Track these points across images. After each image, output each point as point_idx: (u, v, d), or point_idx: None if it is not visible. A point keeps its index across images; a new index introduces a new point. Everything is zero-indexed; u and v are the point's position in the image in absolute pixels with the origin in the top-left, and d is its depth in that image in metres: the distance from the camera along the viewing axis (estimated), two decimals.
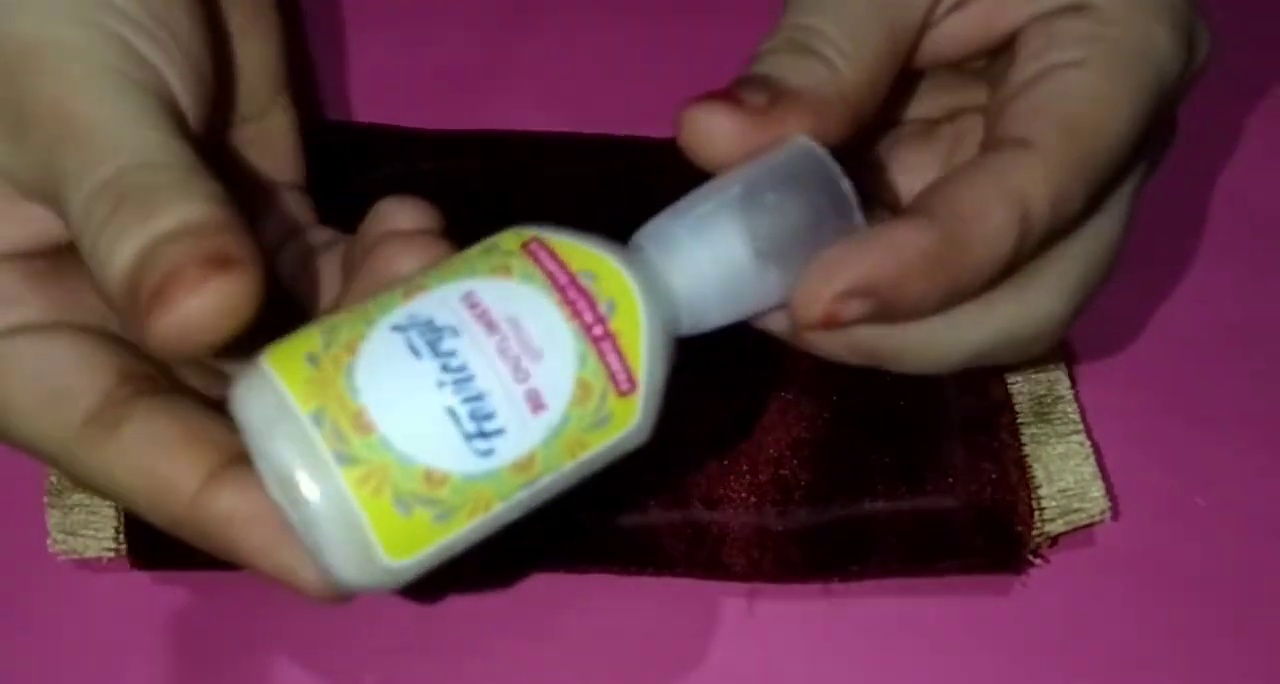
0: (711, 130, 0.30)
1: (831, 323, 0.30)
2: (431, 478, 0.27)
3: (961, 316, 0.31)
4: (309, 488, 0.27)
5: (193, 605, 0.40)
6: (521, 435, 0.28)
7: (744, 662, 0.40)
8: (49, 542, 0.40)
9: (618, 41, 0.52)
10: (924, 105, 0.37)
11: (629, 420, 0.29)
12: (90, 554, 0.40)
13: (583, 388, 0.28)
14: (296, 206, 0.39)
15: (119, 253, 0.28)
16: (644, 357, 0.29)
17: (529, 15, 0.53)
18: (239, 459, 0.29)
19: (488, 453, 0.27)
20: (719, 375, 0.43)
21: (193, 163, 0.30)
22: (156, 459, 0.30)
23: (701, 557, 0.41)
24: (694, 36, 0.52)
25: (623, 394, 0.29)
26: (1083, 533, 0.42)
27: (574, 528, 0.41)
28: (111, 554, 0.40)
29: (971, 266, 0.30)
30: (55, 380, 0.31)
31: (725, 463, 0.42)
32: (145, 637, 0.40)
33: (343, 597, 0.29)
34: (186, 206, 0.28)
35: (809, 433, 0.42)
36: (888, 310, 0.30)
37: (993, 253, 0.30)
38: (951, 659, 0.40)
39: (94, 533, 0.40)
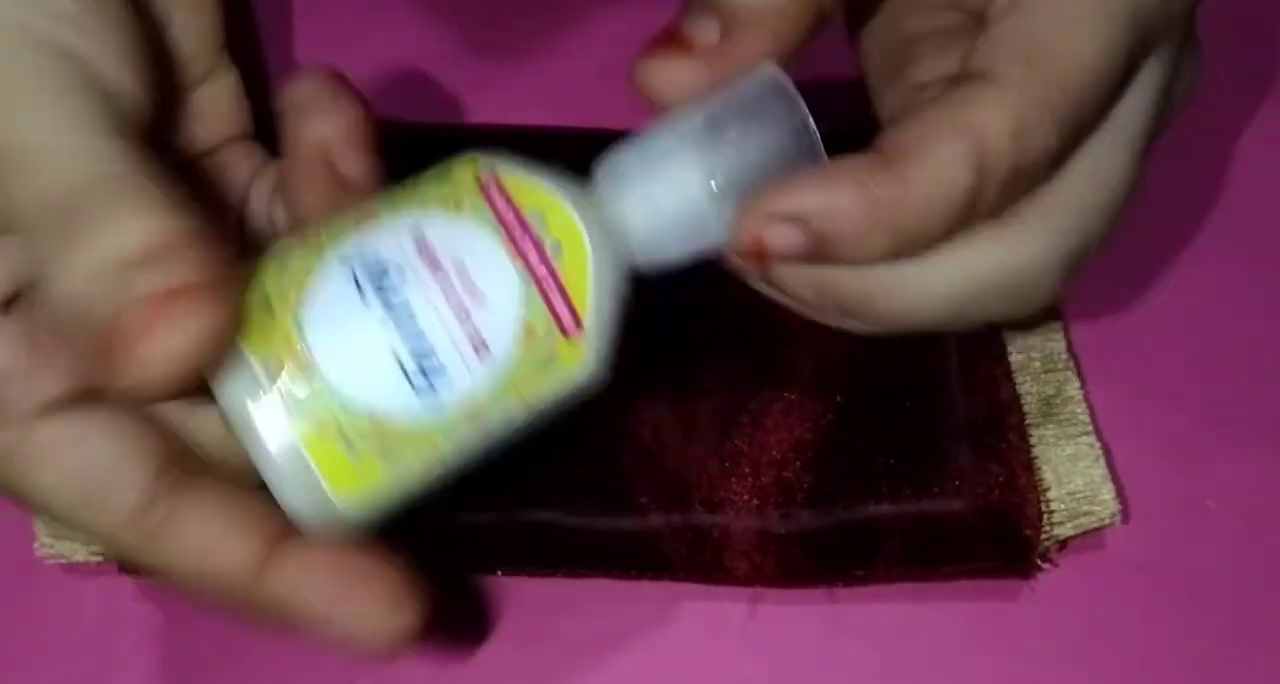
0: (670, 80, 0.29)
1: (760, 251, 0.29)
2: (376, 421, 0.28)
3: (937, 258, 0.30)
4: (261, 435, 0.28)
5: (184, 609, 0.40)
6: (465, 377, 0.28)
7: (745, 667, 0.40)
8: (36, 546, 0.39)
9: (617, 33, 0.52)
10: (944, 63, 0.35)
11: (577, 363, 0.30)
12: (78, 558, 0.39)
13: (527, 330, 0.29)
14: (249, 158, 0.38)
15: (62, 278, 0.26)
16: (591, 299, 0.29)
17: (527, 7, 0.52)
18: (288, 532, 0.30)
19: (431, 395, 0.28)
20: (720, 376, 0.43)
21: (140, 165, 0.28)
22: (213, 547, 0.29)
23: (703, 561, 0.40)
24: None
25: (569, 336, 0.29)
26: (1093, 536, 0.41)
27: (572, 532, 0.40)
28: (100, 558, 0.39)
29: (917, 205, 0.28)
30: (95, 475, 0.29)
31: (727, 465, 0.41)
32: (137, 642, 0.39)
33: (396, 647, 0.30)
34: (137, 220, 0.26)
35: (812, 434, 0.42)
36: (823, 246, 0.29)
37: (942, 191, 0.28)
38: (959, 665, 0.40)
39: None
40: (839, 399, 0.42)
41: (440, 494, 0.32)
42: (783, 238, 0.29)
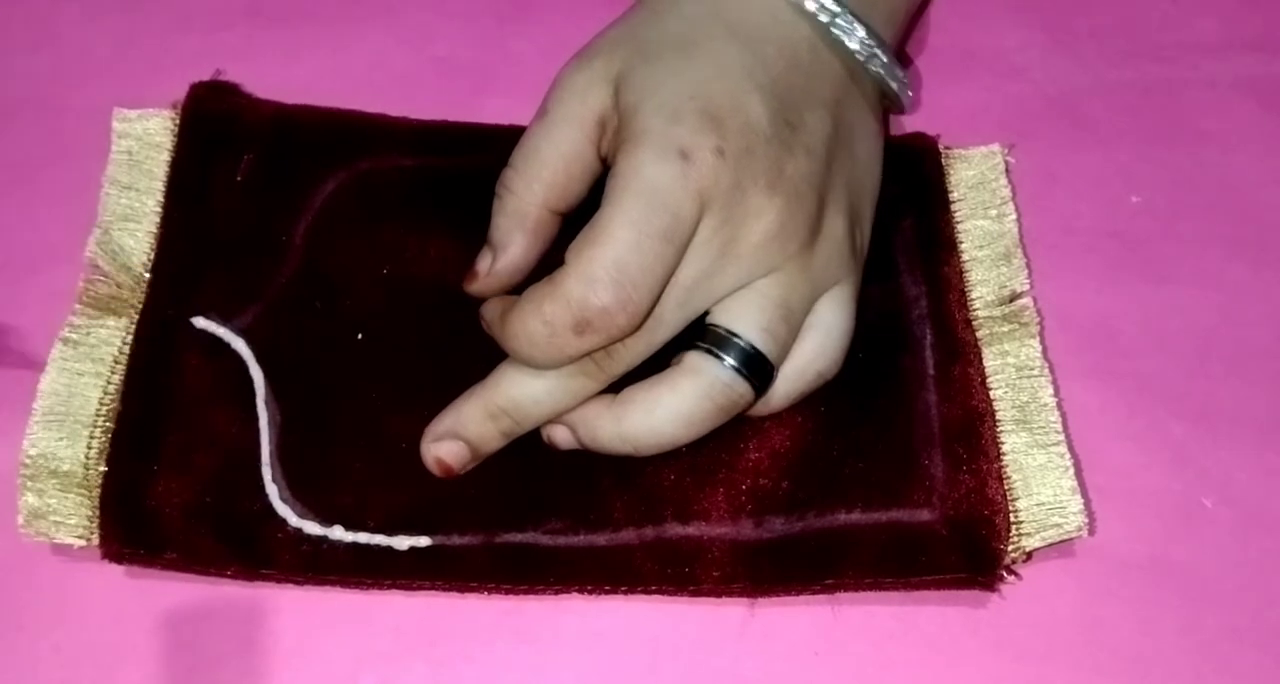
0: (477, 293, 0.43)
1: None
2: None
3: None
4: None
5: (189, 607, 0.40)
6: None
7: (745, 667, 0.40)
8: (19, 522, 0.40)
9: None
10: None
11: None
12: (62, 539, 0.40)
13: None
14: None
15: None
16: None
17: (528, 9, 0.52)
18: None
19: None
20: None
21: None
22: None
23: (674, 573, 0.40)
24: None
25: None
26: (1090, 533, 0.41)
27: (549, 552, 0.41)
28: (84, 542, 0.40)
29: (507, 342, 0.40)
30: None
31: (703, 474, 0.42)
32: (139, 639, 0.40)
33: None
34: None
35: (790, 442, 0.42)
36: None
37: (523, 337, 0.39)
38: (955, 663, 0.40)
39: (64, 519, 0.40)
40: (818, 408, 0.43)
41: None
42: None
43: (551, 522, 0.41)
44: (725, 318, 0.40)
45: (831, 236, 0.41)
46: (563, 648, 0.40)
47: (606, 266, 0.38)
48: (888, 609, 0.40)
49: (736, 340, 0.39)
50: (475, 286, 0.43)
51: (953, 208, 0.47)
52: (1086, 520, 0.41)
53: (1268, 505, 0.42)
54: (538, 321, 0.38)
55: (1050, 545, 0.41)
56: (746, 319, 0.40)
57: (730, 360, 0.39)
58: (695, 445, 0.41)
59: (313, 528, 0.40)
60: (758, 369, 0.40)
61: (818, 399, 0.42)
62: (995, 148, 0.49)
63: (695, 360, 0.40)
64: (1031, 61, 0.51)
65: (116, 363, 0.42)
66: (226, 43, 0.51)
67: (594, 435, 0.40)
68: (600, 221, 0.39)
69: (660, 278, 0.38)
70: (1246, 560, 0.41)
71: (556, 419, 0.41)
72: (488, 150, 0.46)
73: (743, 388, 0.40)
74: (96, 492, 0.40)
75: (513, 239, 0.42)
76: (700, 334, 0.40)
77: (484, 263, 0.43)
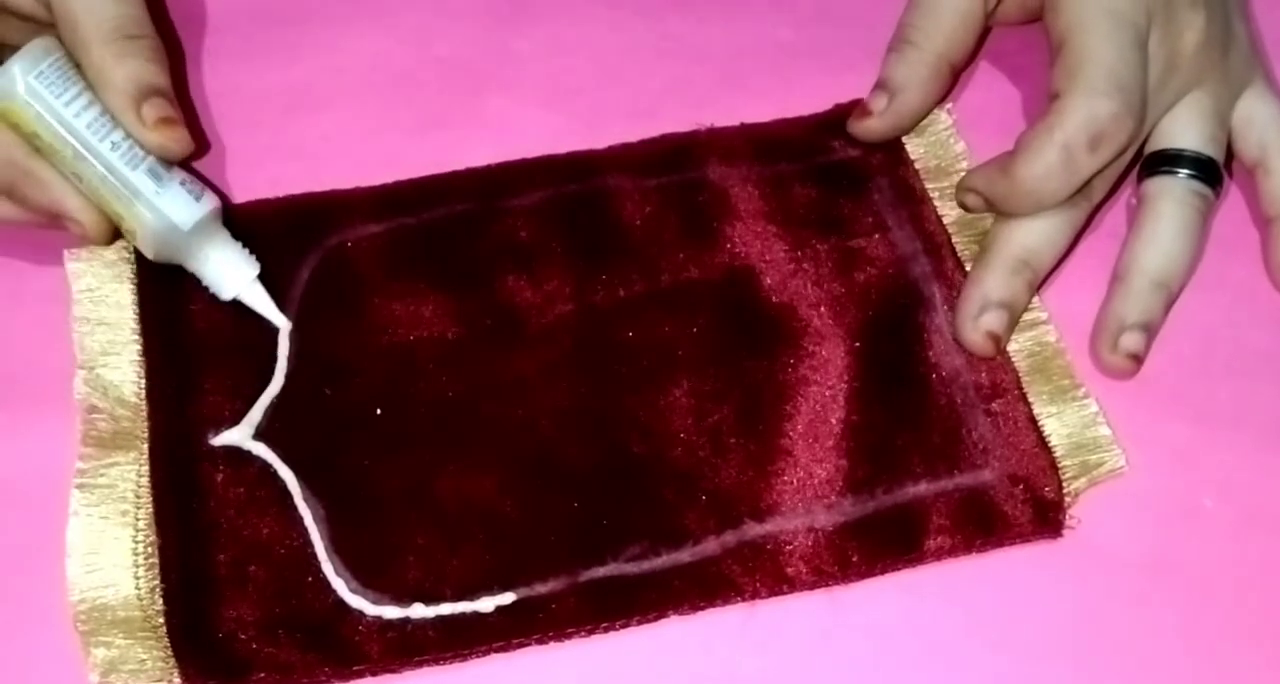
0: (865, 131, 0.48)
1: (971, 208, 0.47)
2: None
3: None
4: None
5: None
6: None
7: (745, 667, 0.39)
8: (93, 678, 0.38)
9: (616, 34, 0.52)
10: None
11: None
12: None
13: None
14: None
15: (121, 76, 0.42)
16: None
17: (528, 9, 0.52)
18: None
19: None
20: (731, 384, 0.43)
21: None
22: None
23: (764, 574, 0.40)
24: (687, 32, 0.52)
25: None
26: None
27: (637, 580, 0.40)
28: None
29: (1021, 184, 0.43)
30: None
31: (761, 467, 0.42)
32: None
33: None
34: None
35: (835, 418, 0.42)
36: (992, 205, 0.45)
37: (1040, 167, 0.43)
38: (955, 661, 0.40)
39: (140, 666, 0.38)
40: (853, 384, 0.43)
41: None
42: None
43: (630, 548, 0.40)
44: (1168, 140, 0.45)
45: (1239, 41, 0.47)
46: (564, 648, 0.39)
47: (1105, 78, 0.42)
48: (887, 608, 0.40)
49: (1186, 154, 0.45)
50: (867, 124, 0.48)
51: (915, 164, 0.48)
52: (1123, 452, 0.42)
53: (1268, 505, 0.42)
54: (1053, 150, 0.42)
55: (1096, 484, 0.42)
56: (1190, 133, 0.45)
57: (1186, 172, 0.45)
58: (748, 439, 0.42)
59: (392, 612, 0.39)
60: (1211, 173, 0.45)
61: (845, 368, 0.43)
62: (935, 111, 0.49)
63: (1158, 185, 0.45)
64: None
65: (138, 497, 0.41)
66: (226, 43, 0.51)
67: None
68: (1078, 47, 0.43)
69: (1144, 84, 0.43)
70: (1246, 560, 0.41)
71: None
72: (454, 200, 0.47)
73: (1206, 190, 0.45)
74: (162, 631, 0.39)
75: (912, 83, 0.47)
76: (1151, 166, 0.45)
77: (878, 102, 0.47)
